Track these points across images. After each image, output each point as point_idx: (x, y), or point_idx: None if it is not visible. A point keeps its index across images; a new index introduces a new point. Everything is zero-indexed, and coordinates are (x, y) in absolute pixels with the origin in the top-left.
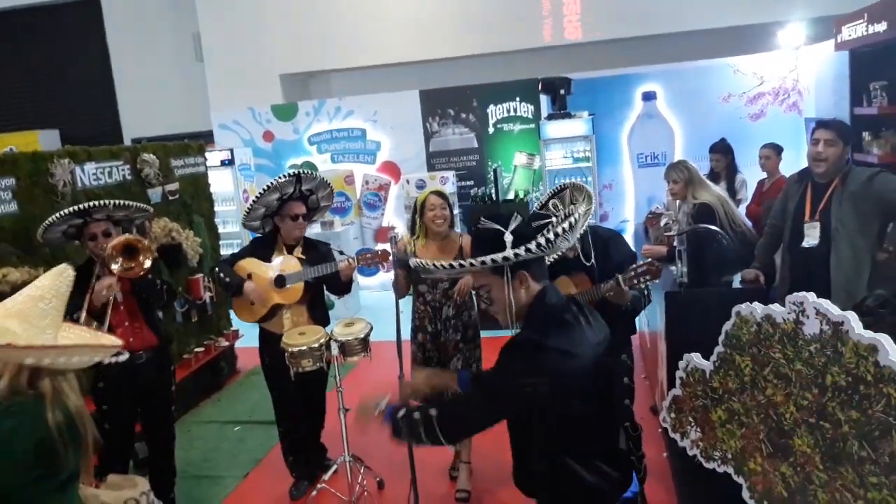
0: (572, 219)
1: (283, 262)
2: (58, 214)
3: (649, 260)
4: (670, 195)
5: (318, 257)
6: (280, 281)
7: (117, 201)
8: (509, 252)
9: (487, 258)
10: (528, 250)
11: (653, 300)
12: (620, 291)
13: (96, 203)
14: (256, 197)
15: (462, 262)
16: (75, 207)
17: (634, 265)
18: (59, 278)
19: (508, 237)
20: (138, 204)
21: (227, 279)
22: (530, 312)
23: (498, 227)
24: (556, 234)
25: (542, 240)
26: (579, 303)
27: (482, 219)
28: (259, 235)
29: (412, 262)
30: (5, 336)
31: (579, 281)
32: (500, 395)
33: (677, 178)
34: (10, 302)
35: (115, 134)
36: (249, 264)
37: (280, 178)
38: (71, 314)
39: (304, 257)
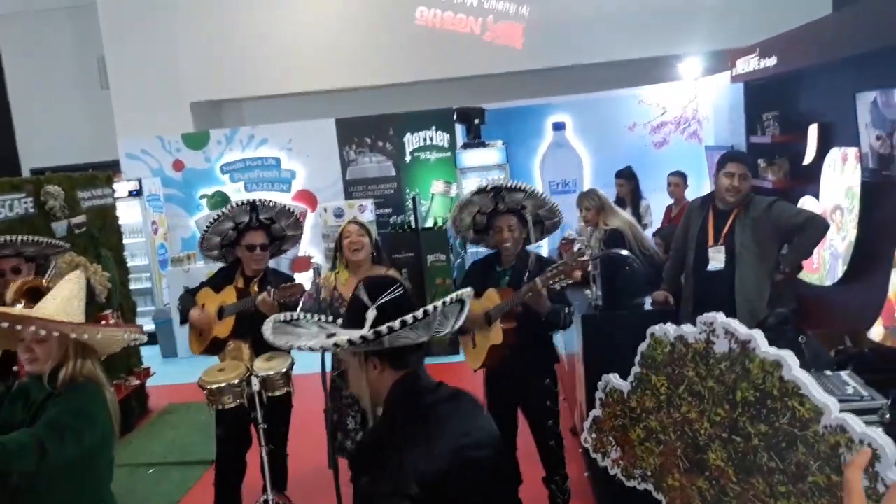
0: (426, 309)
1: (227, 294)
2: None
3: (563, 261)
4: (583, 222)
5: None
6: (220, 313)
7: (26, 237)
8: (341, 339)
9: (316, 343)
10: (363, 339)
11: (573, 322)
12: (539, 293)
13: (4, 239)
14: (207, 225)
15: (303, 341)
16: None
17: (550, 267)
18: (81, 282)
19: (371, 314)
20: (49, 240)
21: (180, 306)
22: (386, 404)
23: (365, 299)
24: (399, 325)
25: (370, 333)
26: (454, 393)
27: (361, 285)
28: (224, 266)
29: (264, 331)
30: (60, 316)
31: (505, 293)
32: None
33: (589, 205)
34: (51, 300)
35: (11, 164)
36: (205, 294)
37: (233, 206)
38: None
39: (257, 290)
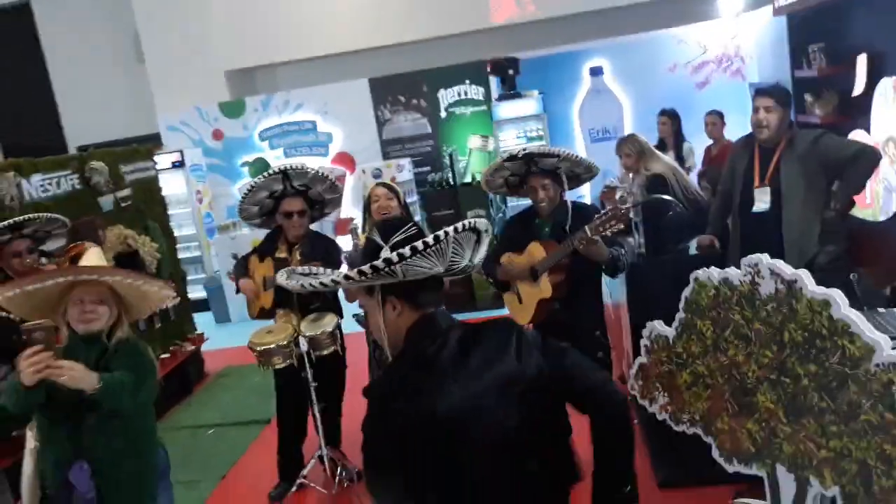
0: (435, 236)
1: (267, 266)
2: None
3: (612, 207)
4: (623, 168)
5: (313, 256)
6: (265, 283)
7: (22, 217)
8: (353, 272)
9: (327, 278)
10: (374, 269)
11: (628, 265)
12: (591, 242)
13: (29, 217)
14: (243, 196)
15: (315, 279)
16: (9, 222)
17: (599, 214)
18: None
19: (386, 252)
20: (48, 215)
21: (232, 274)
22: (403, 346)
23: (379, 240)
24: (410, 252)
25: (381, 262)
26: (479, 330)
27: (374, 228)
28: (269, 232)
29: (278, 278)
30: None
31: (550, 245)
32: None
33: (629, 151)
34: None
35: (59, 143)
36: (253, 262)
37: (263, 176)
38: None
39: (300, 256)
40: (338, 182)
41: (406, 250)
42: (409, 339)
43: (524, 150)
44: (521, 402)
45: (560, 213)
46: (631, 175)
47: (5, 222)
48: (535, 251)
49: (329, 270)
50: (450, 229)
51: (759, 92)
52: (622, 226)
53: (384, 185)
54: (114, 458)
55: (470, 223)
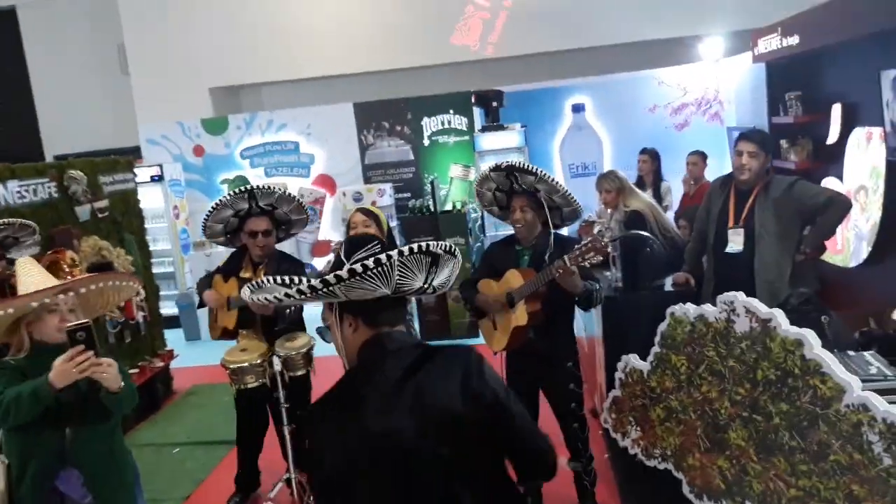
0: (376, 259)
1: (231, 286)
2: None
3: (592, 238)
4: (603, 204)
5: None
6: (228, 303)
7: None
8: (293, 289)
9: (274, 294)
10: (312, 289)
11: (603, 300)
12: (569, 272)
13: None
14: (207, 214)
15: (266, 293)
16: None
17: (579, 244)
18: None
19: (344, 270)
20: (20, 220)
21: (196, 290)
22: (355, 363)
23: (342, 256)
24: (347, 274)
25: (319, 282)
26: (432, 354)
27: (341, 243)
28: (234, 251)
29: (243, 294)
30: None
31: (527, 273)
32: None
33: (609, 187)
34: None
35: (35, 150)
36: (217, 281)
37: (229, 194)
38: None
39: (263, 276)
40: (312, 204)
41: (344, 272)
42: (360, 357)
43: (507, 162)
44: (456, 432)
45: (541, 243)
46: (609, 210)
47: None
48: (513, 279)
49: (280, 283)
50: (394, 253)
51: (743, 136)
52: (601, 257)
53: (363, 210)
54: (101, 463)
55: (421, 247)
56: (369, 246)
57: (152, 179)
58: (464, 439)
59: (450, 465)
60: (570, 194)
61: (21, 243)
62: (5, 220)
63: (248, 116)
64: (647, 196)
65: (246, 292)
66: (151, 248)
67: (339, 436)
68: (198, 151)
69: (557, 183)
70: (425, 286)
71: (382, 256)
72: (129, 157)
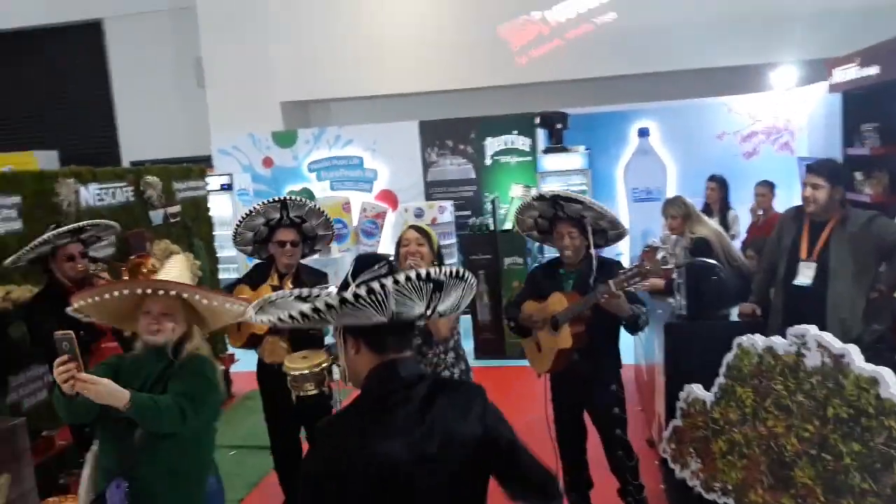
0: (371, 287)
1: (264, 291)
2: (54, 233)
3: (638, 264)
4: (668, 230)
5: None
6: None
7: (100, 221)
8: (285, 314)
9: (276, 315)
10: (303, 315)
11: (649, 323)
12: (614, 296)
13: (69, 228)
14: (240, 220)
15: (267, 314)
16: (74, 226)
17: (624, 269)
18: (186, 262)
19: (351, 291)
20: (104, 221)
21: None
22: (362, 390)
23: (349, 276)
24: (331, 304)
25: (309, 308)
26: (443, 388)
27: (354, 259)
28: (259, 262)
29: (248, 312)
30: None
31: (572, 297)
32: None
33: (675, 213)
34: (165, 275)
35: (113, 156)
36: (241, 290)
37: (263, 202)
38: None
39: (291, 287)
40: (373, 218)
41: (334, 300)
42: (368, 384)
43: (552, 191)
44: (467, 465)
45: (585, 266)
46: (674, 237)
47: (68, 227)
48: (557, 302)
49: (273, 306)
50: (388, 281)
51: (809, 169)
52: (647, 283)
53: (417, 228)
54: (155, 480)
55: (420, 273)
56: (375, 267)
57: (222, 188)
58: (472, 472)
59: (452, 496)
60: (615, 219)
61: (102, 242)
62: (92, 221)
63: (316, 131)
64: (714, 223)
65: (251, 312)
66: (219, 254)
67: (354, 457)
68: (267, 163)
69: (603, 208)
70: (428, 312)
71: (375, 285)
72: (202, 165)
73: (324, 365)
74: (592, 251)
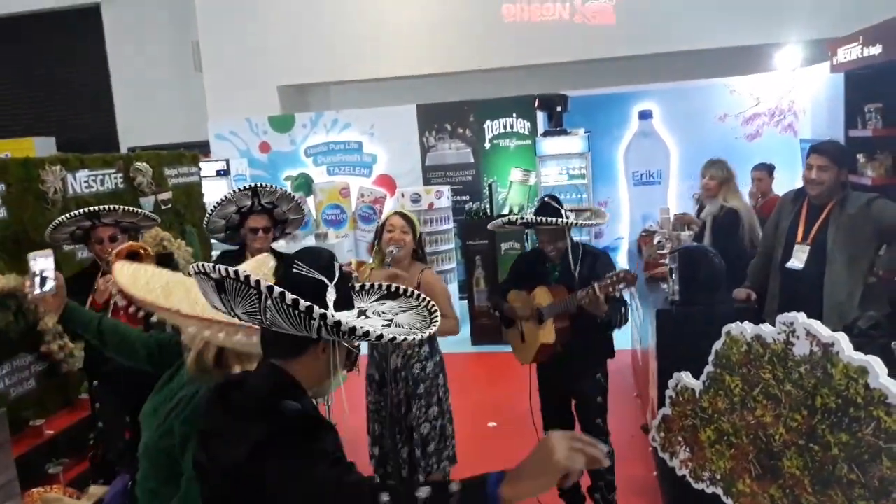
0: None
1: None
2: (68, 215)
3: (625, 269)
4: (703, 189)
5: None
6: None
7: (127, 208)
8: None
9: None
10: (351, 330)
11: (629, 320)
12: (596, 300)
13: (106, 207)
14: (212, 209)
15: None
16: (86, 209)
17: (611, 273)
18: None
19: (331, 295)
20: (146, 212)
21: None
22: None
23: (319, 277)
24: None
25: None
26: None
27: (296, 261)
28: (231, 249)
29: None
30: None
31: (557, 292)
32: None
33: (716, 174)
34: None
35: (111, 142)
36: None
37: (234, 190)
38: None
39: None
40: (371, 203)
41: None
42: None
43: (522, 218)
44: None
45: (571, 257)
46: (706, 205)
47: (80, 210)
48: (542, 296)
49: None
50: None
51: (813, 149)
52: (632, 287)
53: (403, 215)
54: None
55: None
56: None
57: (218, 174)
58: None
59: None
60: (599, 222)
61: (142, 230)
62: (110, 205)
63: (313, 115)
64: (748, 198)
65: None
66: (212, 240)
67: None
68: (264, 148)
69: (583, 219)
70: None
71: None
72: (197, 151)
73: None
74: (570, 240)
